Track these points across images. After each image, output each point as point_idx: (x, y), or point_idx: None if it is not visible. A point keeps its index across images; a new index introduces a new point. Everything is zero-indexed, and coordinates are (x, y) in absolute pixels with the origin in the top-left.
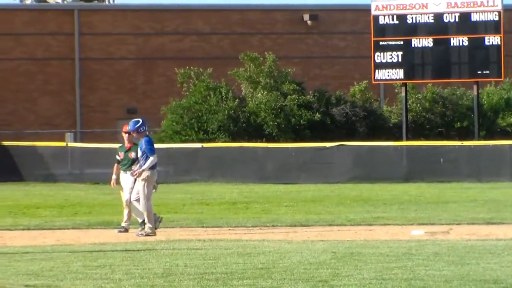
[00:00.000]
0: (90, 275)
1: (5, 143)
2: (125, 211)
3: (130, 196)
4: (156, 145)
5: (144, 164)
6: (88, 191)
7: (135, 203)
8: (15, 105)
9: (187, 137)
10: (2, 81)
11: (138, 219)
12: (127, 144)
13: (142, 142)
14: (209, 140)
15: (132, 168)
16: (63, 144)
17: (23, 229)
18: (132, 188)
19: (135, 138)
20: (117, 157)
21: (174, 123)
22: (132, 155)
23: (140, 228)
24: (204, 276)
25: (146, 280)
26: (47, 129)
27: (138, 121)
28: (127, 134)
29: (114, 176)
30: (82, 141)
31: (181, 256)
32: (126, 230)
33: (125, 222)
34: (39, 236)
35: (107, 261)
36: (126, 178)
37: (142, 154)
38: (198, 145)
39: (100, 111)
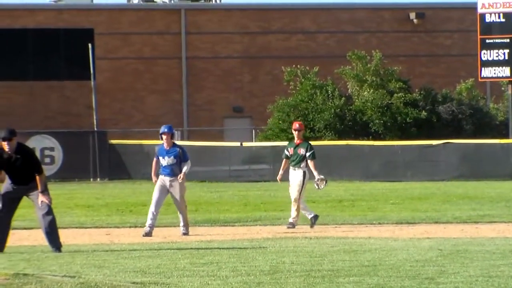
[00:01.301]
0: (197, 272)
1: (113, 141)
2: (293, 208)
3: (299, 193)
4: (262, 143)
5: (185, 168)
6: (194, 189)
7: (297, 202)
8: (123, 104)
9: (293, 135)
10: (111, 80)
11: (307, 215)
12: (296, 141)
13: (178, 149)
14: (316, 138)
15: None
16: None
17: (130, 227)
18: (299, 185)
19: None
20: (286, 152)
21: (280, 121)
22: (301, 151)
23: (310, 224)
24: (310, 274)
25: (253, 277)
26: (154, 128)
27: (171, 126)
28: (296, 132)
29: (281, 172)
30: (189, 139)
31: (288, 254)
32: (293, 226)
33: (293, 218)
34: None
35: (213, 258)
36: (294, 174)
37: (176, 160)
38: None
39: (206, 109)
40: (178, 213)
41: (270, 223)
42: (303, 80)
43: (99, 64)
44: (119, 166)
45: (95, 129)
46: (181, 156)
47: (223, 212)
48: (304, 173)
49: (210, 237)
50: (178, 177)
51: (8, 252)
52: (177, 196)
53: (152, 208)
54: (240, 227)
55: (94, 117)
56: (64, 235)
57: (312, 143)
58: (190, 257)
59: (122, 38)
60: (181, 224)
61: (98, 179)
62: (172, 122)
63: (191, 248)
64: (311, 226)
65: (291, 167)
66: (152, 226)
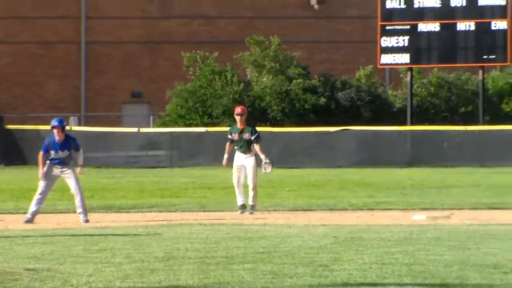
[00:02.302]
0: (90, 259)
1: (10, 126)
2: (251, 193)
3: (256, 177)
4: (160, 129)
5: (79, 161)
6: (90, 174)
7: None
8: (21, 89)
9: (191, 121)
10: (10, 65)
11: (250, 202)
12: (240, 125)
13: (70, 141)
14: (214, 124)
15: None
16: (67, 127)
17: (25, 213)
18: (254, 167)
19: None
20: (230, 137)
21: (178, 107)
22: (247, 136)
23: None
24: (204, 260)
25: (147, 263)
26: (52, 113)
27: (62, 119)
28: (239, 116)
29: (226, 156)
30: (86, 124)
31: (182, 240)
32: (246, 209)
33: (242, 199)
34: (40, 220)
35: (107, 245)
36: (245, 160)
37: (69, 152)
38: (202, 129)
39: (105, 94)
40: (76, 199)
41: (166, 209)
42: (202, 65)
43: None
44: (16, 152)
45: None
46: (74, 148)
47: (119, 199)
48: (255, 156)
49: (105, 223)
50: (79, 171)
51: None
52: (73, 182)
53: (37, 195)
54: (135, 214)
55: None
56: None
57: (210, 129)
58: (84, 243)
59: (22, 22)
60: (79, 210)
61: None
62: (70, 107)
63: (85, 235)
64: (241, 212)
65: (240, 153)
66: (35, 214)
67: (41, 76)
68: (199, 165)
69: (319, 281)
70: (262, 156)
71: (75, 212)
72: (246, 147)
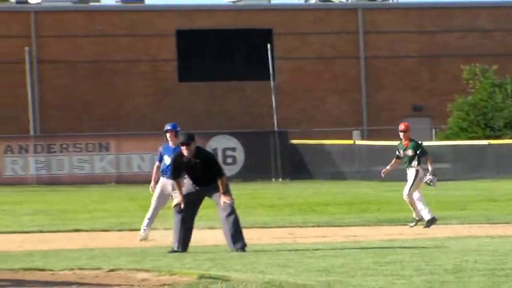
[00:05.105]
0: (380, 272)
1: (294, 141)
2: (410, 205)
3: (408, 191)
4: (442, 142)
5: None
6: (376, 188)
7: (415, 201)
8: (304, 104)
9: (473, 134)
10: (291, 81)
11: (414, 216)
12: (404, 143)
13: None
14: (496, 137)
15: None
16: (350, 142)
17: (313, 226)
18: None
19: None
20: (397, 153)
21: (460, 120)
22: (409, 152)
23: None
24: (494, 272)
25: (437, 276)
26: (335, 128)
27: (176, 124)
28: (402, 133)
29: (388, 167)
30: (369, 138)
31: (470, 253)
32: (415, 223)
33: (416, 215)
34: (328, 233)
35: (396, 257)
36: (408, 173)
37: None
38: (485, 142)
39: (385, 109)
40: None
41: (450, 222)
42: (482, 78)
43: (278, 64)
44: (300, 166)
45: (276, 129)
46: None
47: (404, 211)
48: (417, 171)
49: (393, 236)
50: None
51: (193, 252)
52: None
53: (148, 215)
54: (421, 226)
55: (275, 117)
56: (247, 235)
57: (492, 141)
58: (374, 256)
59: (300, 38)
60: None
61: (280, 179)
62: (352, 121)
63: (374, 247)
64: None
65: (406, 167)
66: (146, 231)
67: (323, 91)
68: (483, 178)
69: None
70: (430, 168)
71: (362, 225)
72: (409, 162)
